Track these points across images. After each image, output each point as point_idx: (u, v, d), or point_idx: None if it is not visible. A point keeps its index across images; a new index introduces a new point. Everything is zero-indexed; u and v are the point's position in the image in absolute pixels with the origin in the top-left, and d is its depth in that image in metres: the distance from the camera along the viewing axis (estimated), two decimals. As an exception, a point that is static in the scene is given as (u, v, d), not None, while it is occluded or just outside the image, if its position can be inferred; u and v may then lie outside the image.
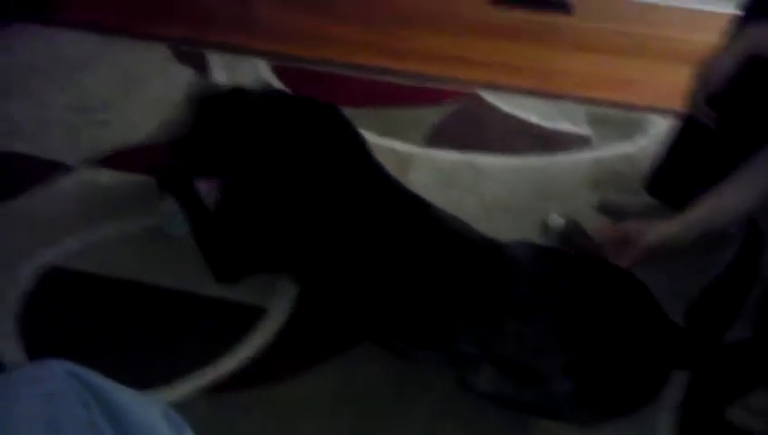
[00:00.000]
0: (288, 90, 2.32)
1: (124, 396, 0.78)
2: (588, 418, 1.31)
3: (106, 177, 1.88)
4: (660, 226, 1.38)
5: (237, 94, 1.70)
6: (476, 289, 1.32)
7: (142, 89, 2.28)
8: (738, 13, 1.57)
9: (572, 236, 1.69)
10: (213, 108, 1.70)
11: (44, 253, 1.62)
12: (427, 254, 1.38)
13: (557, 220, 1.75)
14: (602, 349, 1.25)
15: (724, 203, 1.42)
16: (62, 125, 2.07)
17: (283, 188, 1.51)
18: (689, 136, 1.70)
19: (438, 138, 2.15)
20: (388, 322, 1.37)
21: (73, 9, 2.75)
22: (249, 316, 1.51)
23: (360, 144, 1.60)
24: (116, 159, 1.94)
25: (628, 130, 2.25)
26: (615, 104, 2.39)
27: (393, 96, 2.36)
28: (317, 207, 1.47)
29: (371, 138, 2.08)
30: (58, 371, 0.76)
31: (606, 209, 1.87)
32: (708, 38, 1.60)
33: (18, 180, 1.83)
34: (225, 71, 2.41)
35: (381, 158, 1.63)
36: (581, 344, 1.25)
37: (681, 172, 1.74)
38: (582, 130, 2.24)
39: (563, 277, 1.34)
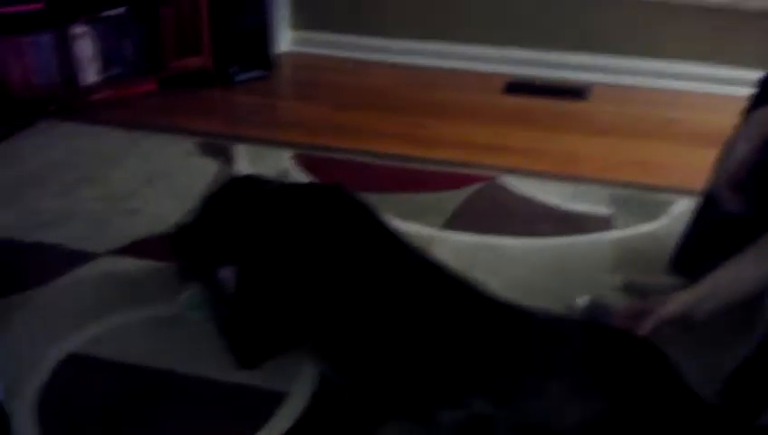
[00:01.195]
0: (310, 178, 2.36)
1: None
2: None
3: (128, 265, 1.90)
4: (678, 295, 1.38)
5: (240, 185, 1.74)
6: (495, 344, 1.30)
7: (167, 180, 2.33)
8: (753, 94, 1.58)
9: (597, 315, 1.66)
10: (214, 200, 1.75)
11: (65, 341, 1.62)
12: (447, 310, 1.37)
13: (582, 300, 1.73)
14: (623, 412, 1.21)
15: (743, 273, 1.40)
16: (87, 215, 2.11)
17: (293, 268, 1.52)
18: (712, 214, 1.69)
19: (459, 221, 2.16)
20: (408, 380, 1.34)
21: (102, 107, 2.85)
22: (270, 402, 1.48)
23: (369, 213, 1.61)
24: (139, 248, 1.96)
25: (651, 210, 2.24)
26: (636, 185, 2.39)
27: (413, 182, 2.39)
28: (329, 279, 1.47)
29: (392, 222, 2.10)
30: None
31: (631, 290, 1.84)
32: (729, 120, 1.61)
33: (43, 270, 1.85)
34: (250, 162, 2.46)
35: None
36: (602, 404, 1.21)
37: (706, 250, 1.72)
38: (604, 211, 2.23)
39: (585, 340, 1.31)
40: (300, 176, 2.38)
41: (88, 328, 1.66)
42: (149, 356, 1.58)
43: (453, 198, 2.28)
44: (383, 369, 1.38)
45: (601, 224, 2.17)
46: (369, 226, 1.58)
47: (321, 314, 1.47)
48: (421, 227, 2.11)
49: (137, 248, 1.96)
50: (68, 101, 2.82)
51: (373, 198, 2.19)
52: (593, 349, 1.30)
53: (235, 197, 1.71)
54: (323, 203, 1.62)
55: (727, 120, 1.64)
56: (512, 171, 2.46)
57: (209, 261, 1.69)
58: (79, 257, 1.90)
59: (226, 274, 1.66)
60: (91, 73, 2.90)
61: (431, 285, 1.43)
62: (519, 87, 3.25)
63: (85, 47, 2.86)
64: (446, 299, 1.39)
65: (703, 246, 1.74)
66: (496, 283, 1.85)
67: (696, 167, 1.90)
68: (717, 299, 1.40)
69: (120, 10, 2.94)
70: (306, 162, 2.47)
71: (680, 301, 1.38)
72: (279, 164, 2.46)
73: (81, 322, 1.67)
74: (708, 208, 1.70)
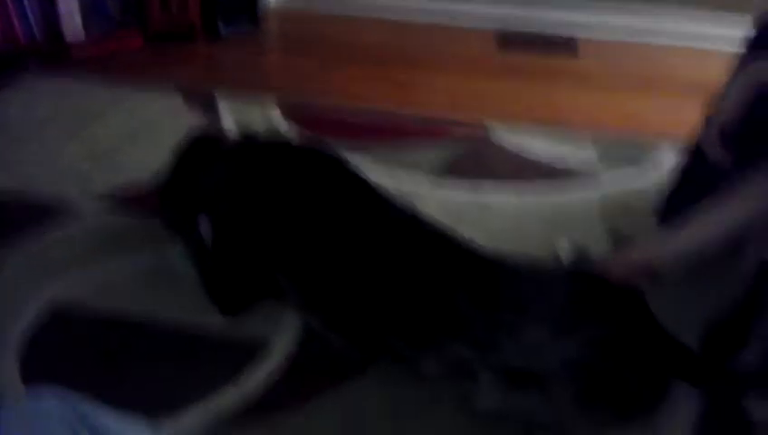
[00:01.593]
0: (298, 132, 2.35)
1: (115, 423, 0.77)
2: (589, 426, 1.28)
3: (113, 219, 1.89)
4: (643, 245, 1.46)
5: (216, 139, 1.74)
6: (474, 289, 1.31)
7: (152, 134, 2.31)
8: (742, 50, 1.57)
9: (580, 263, 1.67)
10: (185, 154, 1.75)
11: (49, 290, 1.62)
12: (425, 256, 1.38)
13: (564, 248, 1.74)
14: (602, 350, 1.23)
15: (711, 223, 1.42)
16: (72, 171, 2.10)
17: (265, 218, 1.51)
18: (699, 167, 1.69)
19: (445, 175, 2.15)
20: (389, 326, 1.36)
21: (86, 60, 2.82)
22: (253, 349, 1.49)
23: (342, 161, 1.60)
24: (123, 202, 1.95)
25: (637, 162, 2.25)
26: (622, 138, 2.39)
27: (400, 135, 2.38)
28: (304, 227, 1.47)
29: (378, 177, 2.09)
30: (50, 403, 0.75)
31: (616, 240, 1.85)
32: (715, 74, 1.61)
33: (26, 223, 1.84)
34: (235, 115, 2.44)
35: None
36: (582, 343, 1.23)
37: (691, 201, 1.72)
38: (590, 164, 2.23)
39: (563, 283, 1.33)
40: (287, 130, 2.37)
41: (72, 279, 1.66)
42: (133, 305, 1.59)
43: (441, 153, 2.28)
44: (363, 316, 1.39)
45: (588, 176, 2.17)
46: (345, 177, 1.57)
47: (298, 264, 1.47)
48: (407, 181, 2.10)
49: (121, 202, 1.95)
50: (52, 57, 2.79)
51: (360, 152, 2.21)
52: (573, 293, 1.31)
53: (203, 151, 1.69)
54: (293, 156, 1.60)
55: (714, 74, 1.64)
56: (500, 125, 2.45)
57: (187, 213, 1.69)
58: (62, 210, 1.90)
59: (204, 221, 1.66)
60: (75, 29, 2.85)
61: (409, 232, 1.43)
62: (509, 42, 3.23)
63: (70, 2, 2.81)
64: (426, 246, 1.40)
65: (688, 197, 1.74)
66: (484, 236, 1.85)
67: (682, 120, 1.90)
68: (684, 249, 1.43)
69: (104, -36, 2.89)
70: (293, 117, 2.46)
71: (645, 251, 1.43)
72: (266, 118, 2.44)
73: (65, 272, 1.67)
74: (695, 160, 1.70)
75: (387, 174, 2.12)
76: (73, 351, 1.49)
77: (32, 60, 2.75)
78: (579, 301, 1.30)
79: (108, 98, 2.56)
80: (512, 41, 3.24)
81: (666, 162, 2.23)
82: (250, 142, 1.71)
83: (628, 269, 1.39)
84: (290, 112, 2.49)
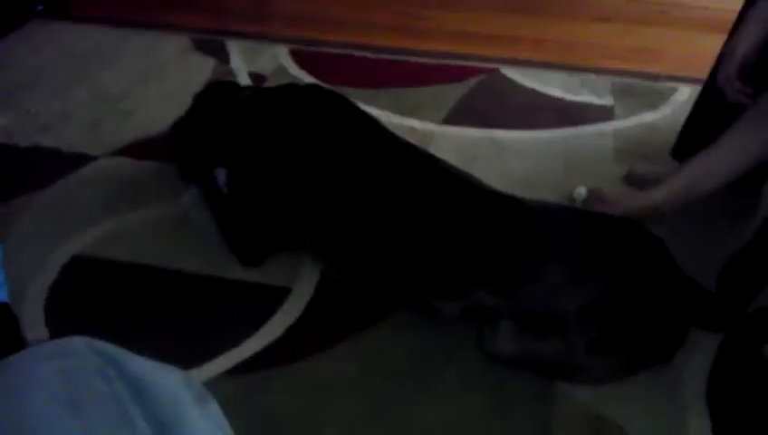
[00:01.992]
0: (307, 74, 2.32)
1: (145, 367, 0.77)
2: (606, 371, 1.30)
3: (128, 166, 1.89)
4: (640, 196, 1.49)
5: (222, 89, 1.73)
6: (493, 235, 1.31)
7: (162, 79, 2.29)
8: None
9: (596, 205, 1.67)
10: (206, 100, 1.73)
11: (69, 242, 1.63)
12: (443, 203, 1.37)
13: (581, 191, 1.74)
14: (621, 295, 1.24)
15: (708, 168, 1.43)
16: (83, 117, 2.09)
17: (286, 165, 1.50)
18: (714, 101, 1.66)
19: (459, 115, 2.13)
20: (408, 275, 1.37)
21: (92, 5, 2.77)
22: (274, 297, 1.51)
23: (358, 111, 1.58)
24: (137, 148, 1.95)
25: (652, 99, 2.21)
26: (638, 74, 2.36)
27: (412, 76, 2.35)
28: (324, 175, 1.46)
29: (390, 117, 2.08)
30: (78, 345, 0.75)
31: (632, 180, 1.84)
32: (732, 4, 1.56)
33: (42, 173, 1.84)
34: (245, 58, 2.41)
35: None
36: (600, 288, 1.24)
37: (708, 139, 1.71)
38: (605, 101, 2.20)
39: (582, 227, 1.33)
40: (296, 72, 2.34)
41: (91, 229, 1.67)
42: (153, 255, 1.60)
43: (453, 92, 2.25)
44: (381, 264, 1.39)
45: (603, 114, 2.14)
46: (360, 123, 1.55)
47: (315, 212, 1.47)
48: (420, 122, 2.08)
49: (135, 149, 1.94)
50: (57, 1, 2.74)
51: (371, 93, 2.19)
52: (590, 235, 1.31)
53: (218, 101, 1.68)
54: (307, 102, 1.58)
55: (730, 4, 1.60)
56: (513, 62, 2.41)
57: (203, 161, 1.68)
58: (77, 160, 1.90)
59: (221, 174, 1.66)
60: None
61: (426, 178, 1.42)
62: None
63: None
64: (444, 192, 1.39)
65: (705, 134, 1.72)
66: (498, 176, 1.85)
67: (698, 53, 1.86)
68: (682, 196, 1.45)
69: None
70: (302, 58, 2.42)
71: (642, 202, 1.49)
72: (275, 60, 2.41)
73: (83, 223, 1.68)
74: (711, 97, 1.68)
75: (399, 115, 2.10)
76: (97, 304, 1.51)
77: (38, 3, 2.70)
78: (597, 245, 1.30)
79: (115, 41, 2.52)
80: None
81: (681, 98, 2.20)
82: (265, 92, 1.68)
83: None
84: (299, 54, 2.45)
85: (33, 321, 1.45)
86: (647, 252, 1.32)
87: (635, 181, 1.82)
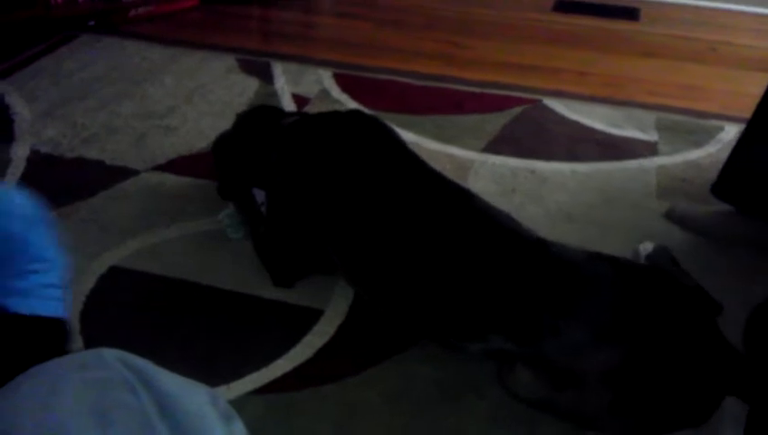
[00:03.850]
0: (349, 98, 2.33)
1: (174, 383, 0.78)
2: (624, 430, 1.24)
3: (169, 181, 1.91)
4: None
5: (276, 112, 1.74)
6: (520, 283, 1.27)
7: (206, 97, 2.32)
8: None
9: (660, 261, 1.61)
10: (251, 121, 1.74)
11: (108, 253, 1.65)
12: (474, 243, 1.34)
13: (647, 246, 1.67)
14: (641, 360, 1.17)
15: None
16: (128, 132, 2.12)
17: (323, 191, 1.50)
18: (759, 139, 1.63)
19: (499, 144, 2.12)
20: (432, 311, 1.35)
21: (142, 23, 2.83)
22: (306, 318, 1.50)
23: (399, 142, 1.57)
24: (179, 165, 1.97)
25: (698, 137, 2.18)
26: (684, 111, 2.33)
27: (454, 104, 2.35)
28: (359, 203, 1.45)
29: (430, 144, 2.08)
30: (108, 357, 0.76)
31: (674, 218, 1.80)
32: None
33: (86, 184, 1.87)
34: (289, 80, 2.44)
35: (439, 164, 1.60)
36: (627, 355, 1.17)
37: (750, 175, 1.68)
38: (650, 136, 2.18)
39: (618, 280, 1.26)
40: (339, 95, 2.36)
41: (130, 242, 1.69)
42: (189, 270, 1.61)
43: (494, 121, 2.24)
44: (408, 296, 1.37)
45: (647, 149, 2.11)
46: (396, 152, 1.54)
47: (349, 242, 1.46)
48: (460, 150, 2.08)
49: (176, 165, 1.97)
50: (109, 17, 2.81)
51: (413, 120, 2.19)
52: (619, 290, 1.25)
53: (263, 124, 1.68)
54: (349, 130, 1.58)
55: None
56: (556, 94, 2.40)
57: (243, 180, 1.70)
58: (120, 173, 1.92)
59: (260, 195, 1.67)
60: (131, -12, 2.87)
61: (457, 216, 1.39)
62: (568, 5, 3.15)
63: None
64: (471, 232, 1.36)
65: (747, 173, 1.69)
66: (536, 208, 1.84)
67: (745, 92, 1.83)
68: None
69: None
70: (346, 82, 2.44)
71: None
72: (319, 83, 2.43)
73: (123, 235, 1.70)
74: (756, 135, 1.65)
75: (439, 142, 2.10)
76: (130, 316, 1.52)
77: (89, 18, 2.77)
78: (626, 303, 1.23)
79: (163, 58, 2.57)
80: (571, 4, 3.16)
81: (726, 137, 2.16)
82: (308, 119, 1.69)
83: None
84: (342, 77, 2.47)
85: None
86: (680, 312, 1.24)
87: (675, 219, 1.79)
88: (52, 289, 1.12)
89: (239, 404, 1.30)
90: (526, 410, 1.30)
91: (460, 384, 1.37)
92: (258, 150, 1.62)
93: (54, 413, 0.68)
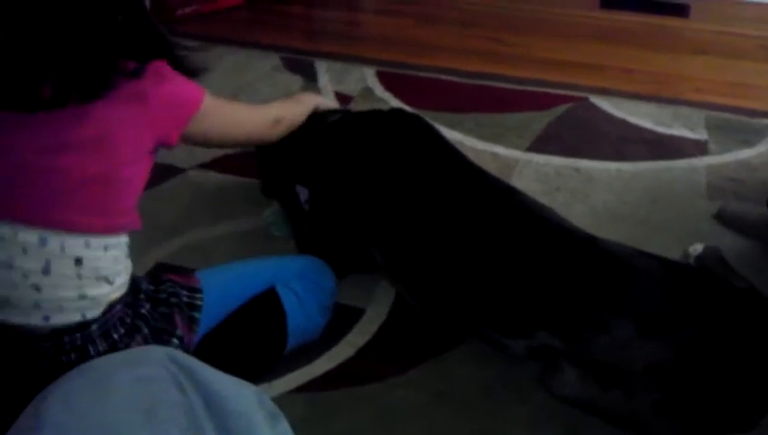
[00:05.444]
0: (393, 96, 2.33)
1: (221, 382, 0.78)
2: (670, 432, 1.21)
3: (214, 179, 1.93)
4: None
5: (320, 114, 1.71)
6: (567, 278, 1.26)
7: (251, 95, 2.34)
8: None
9: (710, 263, 1.59)
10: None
11: (155, 249, 1.67)
12: (518, 239, 1.33)
13: (697, 247, 1.64)
14: (696, 358, 1.15)
15: None
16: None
17: (366, 189, 1.50)
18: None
19: (544, 143, 2.10)
20: (477, 307, 1.34)
21: (189, 21, 2.87)
22: (347, 317, 1.50)
23: (441, 139, 1.57)
24: (224, 163, 1.99)
25: (748, 136, 2.13)
26: (733, 109, 2.27)
27: (498, 102, 2.33)
28: (403, 201, 1.45)
29: (475, 143, 2.06)
30: (157, 355, 0.77)
31: (724, 219, 1.76)
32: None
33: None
34: (332, 78, 2.44)
35: (483, 163, 1.59)
36: (676, 351, 1.15)
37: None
38: (699, 135, 2.13)
39: (668, 277, 1.25)
40: (382, 93, 2.35)
41: (176, 239, 1.71)
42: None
43: (539, 119, 2.22)
44: (452, 294, 1.37)
45: (696, 148, 2.07)
46: (440, 150, 1.53)
47: (392, 241, 1.46)
48: (504, 149, 2.06)
49: (221, 164, 1.99)
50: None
51: (456, 118, 2.18)
52: (669, 288, 1.23)
53: (307, 121, 1.68)
54: (392, 128, 1.58)
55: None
56: (603, 92, 2.36)
57: (286, 177, 1.70)
58: (167, 171, 1.95)
59: (303, 192, 1.67)
60: (177, -12, 2.90)
61: (502, 212, 1.38)
62: (615, 1, 3.09)
63: (172, -39, 2.86)
64: (520, 228, 1.35)
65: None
66: (581, 207, 1.82)
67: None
68: None
69: None
70: (389, 80, 2.44)
71: None
72: (362, 81, 2.43)
73: (169, 232, 1.73)
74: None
75: (483, 140, 2.08)
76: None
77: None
78: (675, 299, 1.21)
79: (209, 57, 2.59)
80: (618, 0, 3.10)
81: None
82: (351, 116, 1.69)
83: None
84: (386, 76, 2.47)
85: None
86: (731, 311, 1.22)
87: (726, 221, 1.75)
88: None
89: (280, 402, 1.28)
90: (568, 414, 1.28)
91: (502, 386, 1.36)
92: (303, 146, 1.62)
93: (105, 410, 0.69)
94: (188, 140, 1.28)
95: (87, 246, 1.06)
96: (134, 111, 1.11)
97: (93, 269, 1.06)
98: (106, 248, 1.10)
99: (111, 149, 1.08)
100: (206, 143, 1.45)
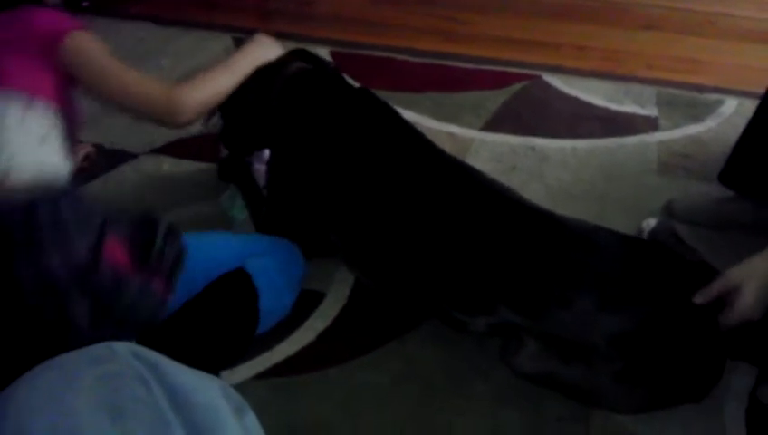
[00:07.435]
0: (348, 76, 2.31)
1: (186, 376, 0.78)
2: (631, 403, 1.26)
3: (168, 164, 1.90)
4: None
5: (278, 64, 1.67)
6: (526, 254, 1.27)
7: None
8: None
9: (663, 237, 1.61)
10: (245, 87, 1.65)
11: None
12: (477, 218, 1.33)
13: (649, 222, 1.67)
14: (657, 328, 1.18)
15: None
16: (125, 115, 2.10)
17: (324, 163, 1.48)
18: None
19: (499, 122, 2.11)
20: (436, 285, 1.34)
21: (137, 3, 2.80)
22: (308, 301, 1.50)
23: (397, 116, 1.54)
24: (178, 147, 1.96)
25: (698, 111, 2.17)
26: (683, 85, 2.31)
27: (453, 81, 2.33)
28: (358, 178, 1.44)
29: (430, 123, 2.07)
30: (120, 350, 0.76)
31: (674, 214, 1.75)
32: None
33: (84, 168, 1.86)
34: (285, 58, 2.41)
35: (438, 142, 1.58)
36: (635, 320, 1.18)
37: (758, 161, 1.65)
38: (650, 111, 2.17)
39: (625, 251, 1.27)
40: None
41: (130, 227, 1.68)
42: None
43: (494, 98, 2.23)
44: (410, 273, 1.37)
45: (647, 125, 2.10)
46: (397, 130, 1.52)
47: (349, 223, 1.45)
48: (460, 128, 2.07)
49: (175, 148, 1.96)
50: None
51: (411, 98, 2.17)
52: (627, 262, 1.25)
53: (265, 70, 1.64)
54: (349, 106, 1.55)
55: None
56: (556, 69, 2.38)
57: (247, 147, 1.67)
58: (118, 156, 1.92)
59: (260, 170, 1.66)
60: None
61: (460, 189, 1.38)
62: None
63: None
64: (476, 204, 1.35)
65: (758, 159, 1.65)
66: (537, 185, 1.84)
67: (746, 65, 1.80)
68: None
69: None
70: (343, 60, 2.42)
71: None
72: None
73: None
74: (761, 117, 1.62)
75: (438, 120, 2.09)
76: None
77: (81, 0, 2.74)
78: (632, 272, 1.24)
79: (159, 39, 2.55)
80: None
81: (728, 111, 2.15)
82: (307, 73, 1.64)
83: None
84: (340, 55, 2.45)
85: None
86: (694, 285, 1.24)
87: (676, 215, 1.75)
88: None
89: (243, 389, 1.29)
90: (531, 390, 1.31)
91: (464, 365, 1.38)
92: (260, 95, 1.58)
93: (68, 409, 0.68)
94: (72, 71, 1.49)
95: None
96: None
97: None
98: None
99: None
100: (92, 89, 1.55)
